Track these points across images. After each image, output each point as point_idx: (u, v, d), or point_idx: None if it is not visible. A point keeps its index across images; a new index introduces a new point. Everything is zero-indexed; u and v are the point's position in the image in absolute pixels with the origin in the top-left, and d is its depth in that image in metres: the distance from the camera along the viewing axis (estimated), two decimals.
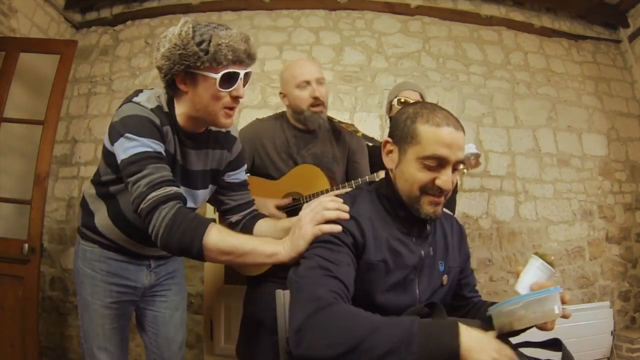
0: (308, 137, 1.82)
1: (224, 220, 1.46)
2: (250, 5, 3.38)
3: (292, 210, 1.72)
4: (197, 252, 1.02)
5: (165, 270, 1.52)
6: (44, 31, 3.15)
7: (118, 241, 1.37)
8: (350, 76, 3.22)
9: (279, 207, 1.72)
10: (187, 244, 1.01)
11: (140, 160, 1.07)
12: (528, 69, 3.37)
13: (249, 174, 1.55)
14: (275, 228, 1.33)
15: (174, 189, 1.07)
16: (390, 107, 2.05)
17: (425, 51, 3.30)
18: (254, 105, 3.15)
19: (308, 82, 1.73)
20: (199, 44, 1.06)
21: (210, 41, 1.06)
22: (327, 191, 1.64)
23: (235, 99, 1.15)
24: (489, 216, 3.06)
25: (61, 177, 3.22)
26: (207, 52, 1.06)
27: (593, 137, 3.31)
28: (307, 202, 1.68)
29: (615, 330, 2.97)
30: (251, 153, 1.79)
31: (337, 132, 1.91)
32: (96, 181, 1.36)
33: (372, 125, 3.11)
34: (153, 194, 1.04)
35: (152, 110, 1.15)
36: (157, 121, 1.14)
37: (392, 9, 3.36)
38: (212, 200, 1.46)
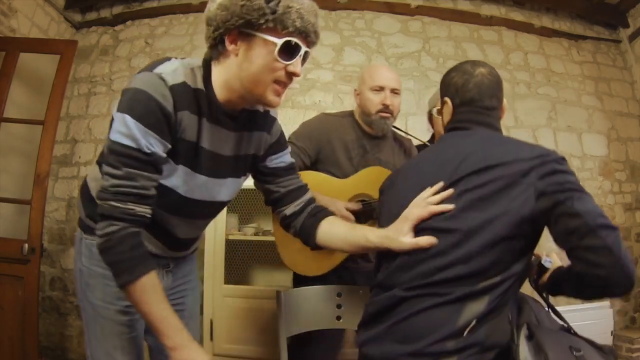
0: (375, 142, 1.81)
1: (277, 214, 1.32)
2: None
3: (361, 212, 1.66)
4: (120, 286, 0.93)
5: (182, 271, 1.35)
6: (44, 31, 3.15)
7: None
8: (350, 76, 3.22)
9: (349, 210, 1.65)
10: (115, 273, 0.93)
11: (122, 155, 0.91)
12: (528, 69, 3.37)
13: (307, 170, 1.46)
14: (354, 233, 1.18)
15: (137, 209, 0.93)
16: (430, 116, 2.05)
17: (425, 51, 3.30)
18: None
19: (382, 88, 1.74)
20: (268, 0, 0.90)
21: (280, 0, 0.91)
22: None
23: (290, 75, 0.97)
24: None
25: (61, 177, 3.22)
26: (274, 11, 0.90)
27: (593, 137, 3.31)
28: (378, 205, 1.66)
29: (615, 330, 2.97)
30: (316, 148, 1.75)
31: (400, 142, 1.93)
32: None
33: None
34: (114, 203, 0.92)
35: (172, 87, 0.94)
36: (169, 107, 0.94)
37: (392, 9, 3.36)
38: (261, 191, 1.32)
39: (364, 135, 1.80)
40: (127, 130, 0.91)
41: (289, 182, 1.26)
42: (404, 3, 3.37)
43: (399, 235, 1.05)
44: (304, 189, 1.28)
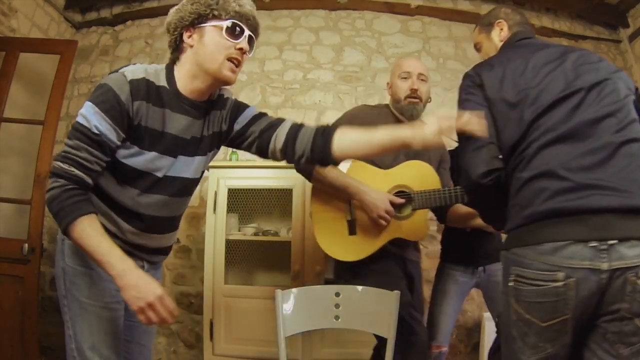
0: None
1: (286, 158, 1.35)
2: None
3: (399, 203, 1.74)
4: (63, 231, 1.07)
5: (155, 277, 1.31)
6: (44, 31, 3.15)
7: (117, 229, 1.21)
8: (350, 76, 3.22)
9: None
10: (59, 221, 1.07)
11: (76, 130, 1.10)
12: None
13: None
14: (373, 132, 1.24)
15: (80, 174, 1.09)
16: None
17: (425, 51, 3.30)
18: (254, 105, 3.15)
19: (409, 74, 1.84)
20: None
21: None
22: (438, 191, 1.72)
23: (241, 52, 1.18)
24: None
25: None
26: (217, 2, 1.16)
27: None
28: (418, 197, 1.73)
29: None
30: None
31: None
32: None
33: None
34: (60, 164, 1.09)
35: (131, 81, 1.15)
36: (124, 97, 1.13)
37: (392, 9, 3.36)
38: (256, 153, 1.37)
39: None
40: (85, 112, 1.11)
41: (264, 124, 1.34)
42: (404, 3, 3.37)
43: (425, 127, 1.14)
44: (280, 119, 1.36)
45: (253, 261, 2.71)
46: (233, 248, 2.56)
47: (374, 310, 1.48)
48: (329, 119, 3.12)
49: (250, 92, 3.18)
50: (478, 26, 1.61)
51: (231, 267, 2.57)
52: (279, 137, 1.30)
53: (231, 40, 1.16)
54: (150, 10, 3.47)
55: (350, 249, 1.72)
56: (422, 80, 1.85)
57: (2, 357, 2.38)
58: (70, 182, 1.08)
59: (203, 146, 1.30)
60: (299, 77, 3.21)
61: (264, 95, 3.18)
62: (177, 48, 1.23)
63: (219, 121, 1.33)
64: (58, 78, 2.66)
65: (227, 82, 1.21)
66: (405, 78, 1.84)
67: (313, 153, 1.28)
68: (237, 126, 1.34)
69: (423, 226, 1.79)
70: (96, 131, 1.09)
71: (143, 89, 1.16)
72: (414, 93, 1.81)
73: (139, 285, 1.02)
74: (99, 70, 3.39)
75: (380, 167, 1.80)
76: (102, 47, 3.45)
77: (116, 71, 1.20)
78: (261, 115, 1.37)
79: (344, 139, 1.27)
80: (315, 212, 1.80)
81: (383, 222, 1.67)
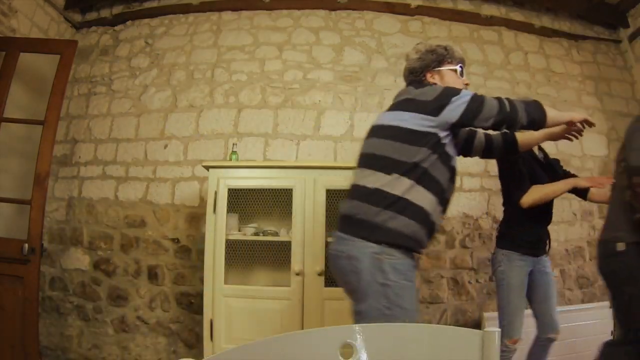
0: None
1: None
2: (250, 5, 3.38)
3: None
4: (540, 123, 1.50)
5: None
6: (44, 31, 3.15)
7: (423, 237, 1.45)
8: (350, 76, 3.22)
9: None
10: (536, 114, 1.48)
11: (476, 98, 1.44)
12: (528, 69, 3.37)
13: None
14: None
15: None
16: None
17: None
18: (253, 105, 3.15)
19: None
20: (442, 48, 1.63)
21: (445, 47, 1.64)
22: None
23: (467, 86, 1.62)
24: (489, 216, 3.06)
25: (61, 177, 3.22)
26: (448, 53, 1.62)
27: (593, 137, 3.31)
28: None
29: (615, 330, 2.97)
30: None
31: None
32: (403, 169, 1.41)
33: None
34: (503, 99, 1.46)
35: None
36: None
37: (392, 9, 3.36)
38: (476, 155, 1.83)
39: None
40: (460, 96, 1.46)
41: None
42: (404, 3, 3.37)
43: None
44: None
45: (253, 261, 2.71)
46: (233, 248, 2.56)
47: None
48: (329, 119, 3.12)
49: (250, 92, 3.18)
50: None
51: (231, 267, 2.56)
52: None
53: (462, 78, 1.62)
54: (150, 10, 3.48)
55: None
56: None
57: (2, 357, 2.38)
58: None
59: None
60: (299, 77, 3.21)
61: (264, 95, 3.17)
62: (419, 84, 1.59)
63: None
64: (58, 78, 2.66)
65: None
66: None
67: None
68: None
69: None
70: None
71: None
72: None
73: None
74: (99, 70, 3.39)
75: None
76: (102, 47, 3.45)
77: (416, 87, 1.58)
78: None
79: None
80: None
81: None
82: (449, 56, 1.62)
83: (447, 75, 1.61)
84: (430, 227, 1.45)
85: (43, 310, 2.97)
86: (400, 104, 1.52)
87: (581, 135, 1.67)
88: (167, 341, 2.92)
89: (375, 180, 1.42)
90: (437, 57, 1.61)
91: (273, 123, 3.11)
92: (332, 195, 2.49)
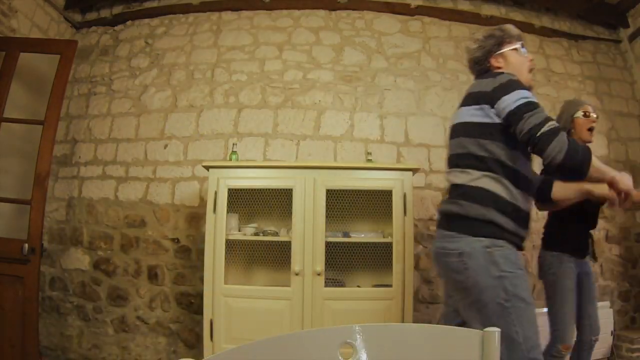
0: None
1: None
2: (250, 5, 3.38)
3: None
4: (581, 165, 1.33)
5: None
6: (44, 31, 3.15)
7: (519, 228, 1.43)
8: (350, 76, 3.22)
9: None
10: (582, 158, 1.32)
11: (532, 103, 1.36)
12: None
13: None
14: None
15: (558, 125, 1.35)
16: (572, 119, 2.22)
17: (425, 51, 3.30)
18: (254, 105, 3.15)
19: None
20: (498, 29, 1.61)
21: (501, 28, 1.62)
22: None
23: (532, 62, 1.62)
24: None
25: (61, 177, 3.22)
26: (505, 33, 1.60)
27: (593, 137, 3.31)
28: None
29: (615, 330, 2.97)
30: None
31: None
32: (488, 165, 1.41)
33: (372, 125, 3.11)
34: (552, 122, 1.32)
35: None
36: None
37: (392, 9, 3.36)
38: None
39: None
40: (523, 93, 1.39)
41: None
42: (404, 3, 3.37)
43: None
44: None
45: (253, 261, 2.71)
46: (233, 248, 2.56)
47: None
48: (329, 119, 3.12)
49: (250, 92, 3.18)
50: None
51: (231, 267, 2.57)
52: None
53: (527, 55, 1.61)
54: (150, 10, 3.48)
55: None
56: None
57: (2, 357, 2.38)
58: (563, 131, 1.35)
59: None
60: (299, 77, 3.21)
61: (264, 95, 3.18)
62: (486, 73, 1.56)
63: None
64: (58, 78, 2.66)
65: (531, 85, 1.56)
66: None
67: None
68: None
69: None
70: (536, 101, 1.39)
71: None
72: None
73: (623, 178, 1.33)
74: (99, 70, 3.39)
75: None
76: (102, 47, 3.45)
77: (495, 75, 1.50)
78: None
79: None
80: None
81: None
82: (507, 36, 1.59)
83: (510, 57, 1.58)
84: (525, 220, 1.46)
85: (43, 310, 2.97)
86: (468, 99, 1.52)
87: (629, 207, 1.50)
88: (167, 341, 2.92)
89: (468, 178, 1.44)
90: (496, 40, 1.58)
91: (273, 123, 3.11)
92: (332, 195, 2.50)
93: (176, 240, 3.00)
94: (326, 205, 2.47)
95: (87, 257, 3.07)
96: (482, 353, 0.67)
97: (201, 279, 2.61)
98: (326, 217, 2.46)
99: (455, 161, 1.52)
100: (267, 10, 3.37)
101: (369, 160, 2.87)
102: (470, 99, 1.50)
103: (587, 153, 1.34)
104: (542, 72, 3.38)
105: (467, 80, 3.26)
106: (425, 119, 3.15)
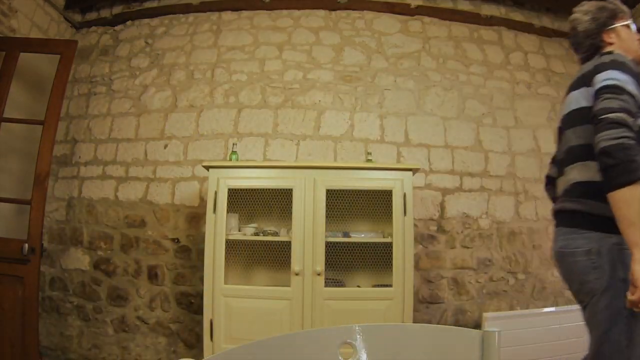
0: None
1: None
2: (250, 5, 3.38)
3: None
4: (613, 185, 1.16)
5: None
6: (44, 31, 3.15)
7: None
8: (350, 76, 3.22)
9: None
10: (620, 172, 1.14)
11: (618, 87, 1.21)
12: (528, 69, 3.37)
13: None
14: None
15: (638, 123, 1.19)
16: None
17: (425, 51, 3.30)
18: (254, 105, 3.15)
19: None
20: (609, 2, 1.46)
21: (611, 0, 1.47)
22: None
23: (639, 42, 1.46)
24: (489, 216, 3.06)
25: (61, 177, 3.22)
26: (617, 8, 1.45)
27: None
28: None
29: None
30: None
31: None
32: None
33: (372, 125, 3.11)
34: (623, 114, 1.17)
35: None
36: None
37: (392, 9, 3.36)
38: None
39: None
40: (619, 74, 1.24)
41: None
42: (404, 3, 3.37)
43: None
44: None
45: (253, 261, 2.71)
46: (233, 248, 2.56)
47: None
48: (329, 119, 3.12)
49: (250, 92, 3.18)
50: None
51: (231, 267, 2.57)
52: None
53: (638, 33, 1.45)
54: (150, 10, 3.48)
55: None
56: None
57: (2, 357, 2.38)
58: (631, 132, 1.17)
59: None
60: (299, 77, 3.21)
61: (264, 95, 3.18)
62: (595, 48, 1.43)
63: None
64: (58, 78, 2.66)
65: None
66: None
67: None
68: None
69: None
70: (631, 93, 1.22)
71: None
72: None
73: None
74: (99, 70, 3.39)
75: None
76: (102, 47, 3.45)
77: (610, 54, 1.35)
78: None
79: None
80: None
81: None
82: (620, 10, 1.44)
83: (622, 33, 1.42)
84: None
85: (43, 310, 2.97)
86: (574, 84, 1.41)
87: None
88: (167, 341, 2.92)
89: (587, 171, 1.30)
90: (610, 13, 1.43)
91: (273, 123, 3.11)
92: (332, 195, 2.50)
93: (176, 240, 3.01)
94: (326, 205, 2.47)
95: (87, 257, 3.07)
96: (482, 353, 0.67)
97: (201, 279, 2.61)
98: (326, 217, 2.46)
99: (569, 156, 1.38)
100: (267, 10, 3.37)
101: (369, 160, 2.87)
102: (578, 82, 1.39)
103: (634, 175, 1.14)
104: (542, 72, 3.38)
105: (466, 81, 3.29)
106: (425, 119, 3.15)
